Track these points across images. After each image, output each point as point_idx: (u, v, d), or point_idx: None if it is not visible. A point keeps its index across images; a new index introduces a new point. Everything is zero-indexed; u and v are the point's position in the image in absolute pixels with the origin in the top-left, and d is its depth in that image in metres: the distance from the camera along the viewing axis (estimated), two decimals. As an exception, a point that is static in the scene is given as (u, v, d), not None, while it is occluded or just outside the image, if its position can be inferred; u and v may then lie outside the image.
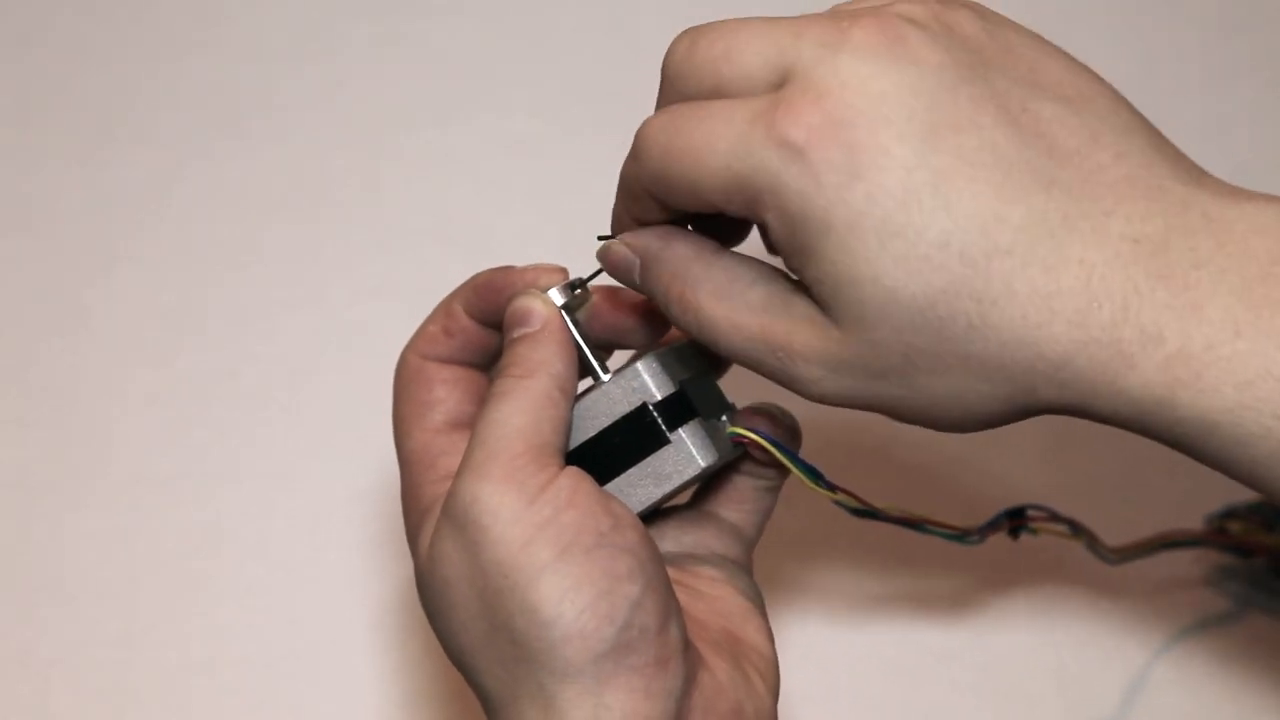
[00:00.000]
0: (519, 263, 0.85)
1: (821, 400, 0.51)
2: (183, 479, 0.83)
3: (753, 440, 0.56)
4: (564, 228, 0.89)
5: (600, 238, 0.56)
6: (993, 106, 0.49)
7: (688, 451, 0.55)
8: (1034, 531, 0.66)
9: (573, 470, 0.53)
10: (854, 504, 0.57)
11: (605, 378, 0.56)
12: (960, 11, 0.50)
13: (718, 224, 0.55)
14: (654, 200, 0.53)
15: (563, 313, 0.56)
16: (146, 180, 0.92)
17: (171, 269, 0.89)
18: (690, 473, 0.55)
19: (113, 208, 0.91)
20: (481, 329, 0.58)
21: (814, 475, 0.56)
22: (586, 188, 0.90)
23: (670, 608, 0.52)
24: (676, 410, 0.55)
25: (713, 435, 0.56)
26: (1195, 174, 0.50)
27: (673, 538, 0.59)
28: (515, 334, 0.56)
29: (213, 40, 0.96)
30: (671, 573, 0.56)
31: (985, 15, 0.51)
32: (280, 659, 0.79)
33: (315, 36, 0.96)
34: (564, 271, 0.57)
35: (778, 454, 0.56)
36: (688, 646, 0.53)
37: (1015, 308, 0.48)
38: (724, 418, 0.57)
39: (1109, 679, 0.77)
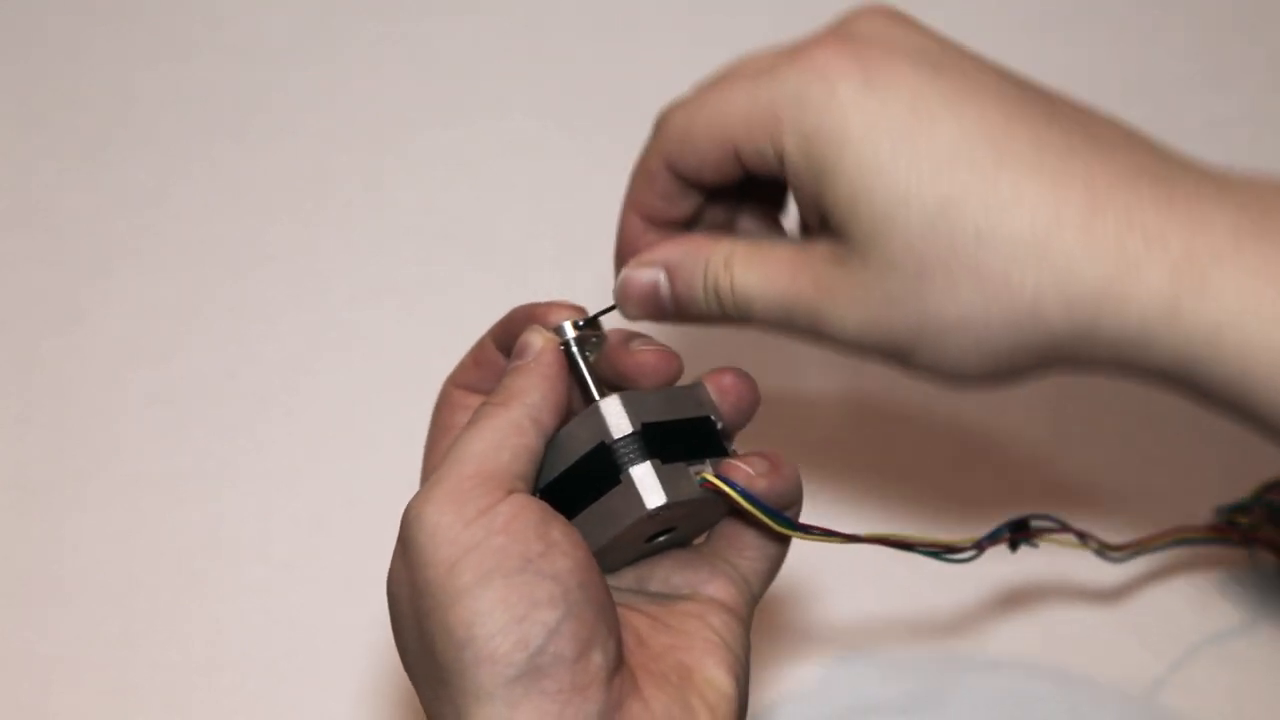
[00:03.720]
0: (516, 265, 0.85)
1: (849, 343, 0.54)
2: (183, 479, 0.83)
3: (718, 487, 0.55)
4: (564, 228, 0.89)
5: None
6: (993, 69, 0.52)
7: (635, 493, 0.54)
8: (1035, 544, 0.65)
9: (520, 497, 0.53)
10: (834, 540, 0.57)
11: None
12: None
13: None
14: (672, 174, 0.56)
15: (571, 347, 0.57)
16: (146, 180, 0.92)
17: (171, 269, 0.89)
18: (636, 514, 0.54)
19: (113, 208, 0.91)
20: (507, 361, 0.59)
21: (784, 521, 0.56)
22: (586, 188, 0.91)
23: (596, 637, 0.52)
24: (634, 451, 0.55)
25: (673, 478, 0.55)
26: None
27: (662, 577, 0.59)
28: (510, 365, 0.57)
29: (213, 40, 0.96)
30: (648, 606, 0.57)
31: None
32: (280, 659, 0.79)
33: (315, 36, 0.96)
34: (579, 310, 0.58)
35: (741, 501, 0.55)
36: (616, 675, 0.53)
37: (1023, 214, 0.50)
38: (707, 462, 0.56)
39: (1120, 697, 0.77)
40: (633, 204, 0.58)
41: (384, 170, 0.92)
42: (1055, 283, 0.50)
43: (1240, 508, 0.77)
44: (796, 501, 0.57)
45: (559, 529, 0.53)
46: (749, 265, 0.55)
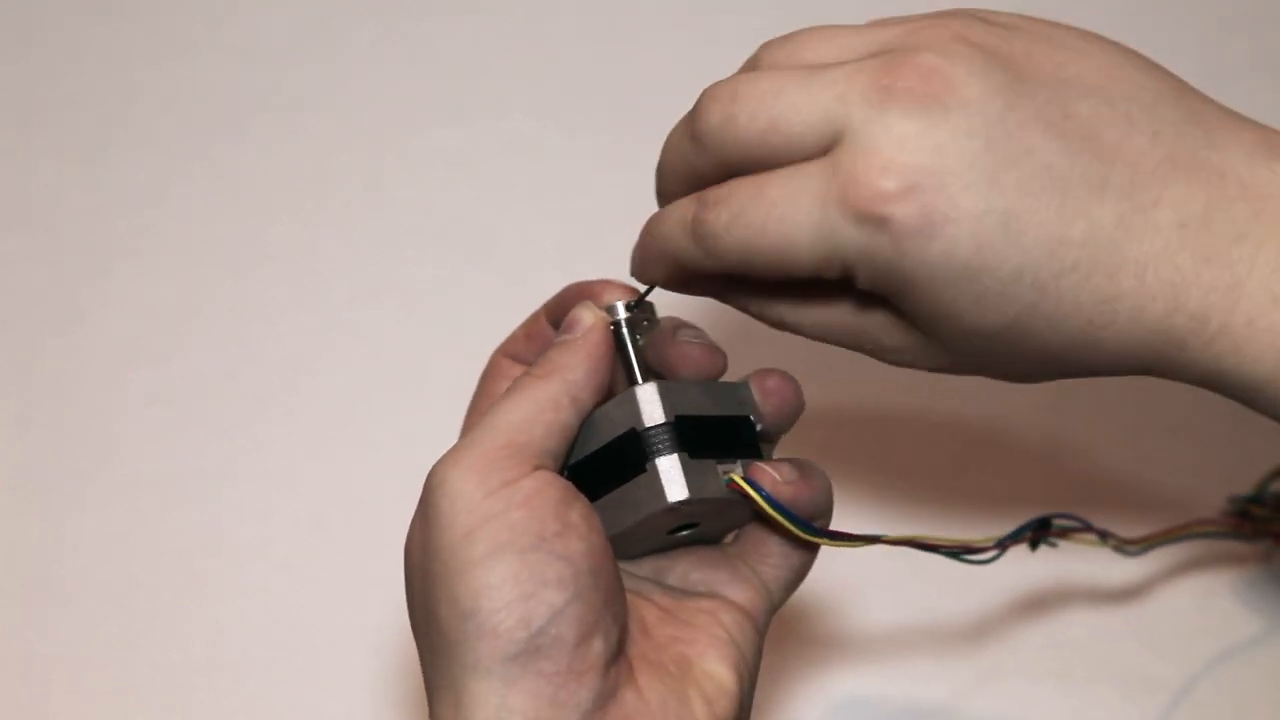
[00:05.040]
0: (516, 265, 0.85)
1: (911, 368, 0.55)
2: (183, 479, 0.83)
3: (742, 489, 0.55)
4: (564, 228, 0.89)
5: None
6: (1039, 125, 0.51)
7: (658, 484, 0.54)
8: (1055, 544, 0.65)
9: (545, 474, 0.53)
10: (856, 544, 0.56)
11: None
12: (973, 25, 0.52)
13: None
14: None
15: (621, 328, 0.57)
16: (146, 180, 0.92)
17: (171, 269, 0.89)
18: (656, 505, 0.54)
19: (113, 208, 0.91)
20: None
21: (805, 527, 0.56)
22: (586, 188, 0.91)
23: (600, 623, 0.52)
24: (664, 441, 0.54)
25: (698, 474, 0.55)
26: (1225, 131, 0.53)
27: (681, 573, 0.59)
28: (557, 339, 0.57)
29: (213, 40, 0.96)
30: (661, 598, 0.58)
31: (991, 20, 0.53)
32: (280, 659, 0.79)
33: (315, 36, 0.96)
34: (630, 290, 0.58)
35: (764, 505, 0.55)
36: (614, 663, 0.53)
37: (1081, 318, 0.51)
38: (738, 463, 0.56)
39: (1132, 702, 0.77)
40: (669, 268, 0.57)
41: (384, 170, 0.92)
42: (1108, 361, 0.52)
43: (1254, 499, 0.77)
44: (826, 512, 0.57)
45: (579, 511, 0.53)
46: (799, 311, 0.55)
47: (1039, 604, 0.79)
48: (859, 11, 0.60)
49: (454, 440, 0.59)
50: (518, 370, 0.59)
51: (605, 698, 0.52)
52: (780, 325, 0.56)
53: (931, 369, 0.54)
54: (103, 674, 0.78)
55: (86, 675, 0.78)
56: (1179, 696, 0.77)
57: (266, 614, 0.80)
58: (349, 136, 0.93)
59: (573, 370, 0.55)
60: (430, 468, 0.54)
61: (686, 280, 0.56)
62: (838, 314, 0.54)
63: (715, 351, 0.58)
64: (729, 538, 0.60)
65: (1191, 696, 0.77)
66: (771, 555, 0.58)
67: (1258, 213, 0.51)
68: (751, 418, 0.57)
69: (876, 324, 0.54)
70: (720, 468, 0.55)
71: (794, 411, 0.58)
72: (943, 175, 0.50)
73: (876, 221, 0.50)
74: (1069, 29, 0.54)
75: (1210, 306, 0.51)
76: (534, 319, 0.60)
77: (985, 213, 0.50)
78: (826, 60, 0.53)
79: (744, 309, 0.56)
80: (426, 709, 0.75)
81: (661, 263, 0.55)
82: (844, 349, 0.56)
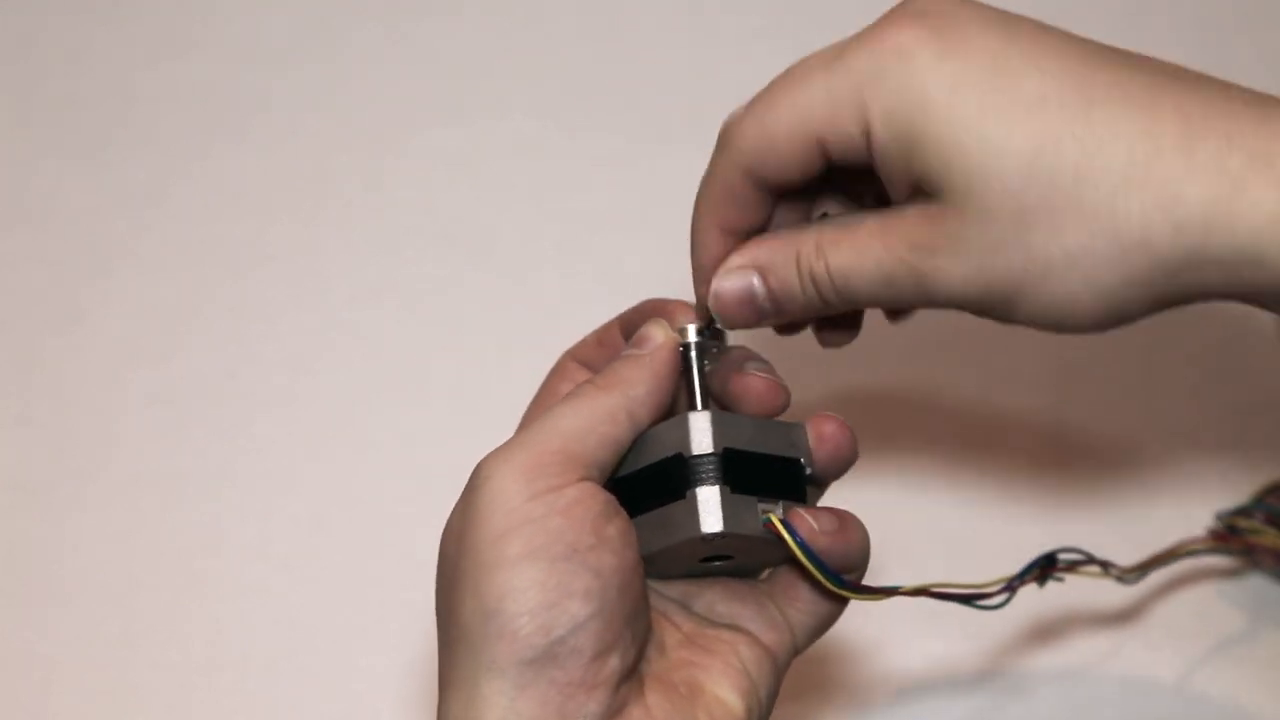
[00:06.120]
0: (516, 265, 0.85)
1: (954, 296, 0.52)
2: (183, 479, 0.83)
3: (778, 531, 0.55)
4: (564, 228, 0.89)
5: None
6: (1064, 32, 0.52)
7: (694, 512, 0.54)
8: (1062, 579, 0.65)
9: (589, 486, 0.53)
10: (878, 597, 0.56)
11: None
12: None
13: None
14: (751, 182, 0.55)
15: (690, 351, 0.57)
16: (146, 180, 0.92)
17: (171, 269, 0.89)
18: (690, 533, 0.54)
19: (113, 208, 0.91)
20: None
21: (834, 579, 0.56)
22: (586, 188, 0.91)
23: (620, 641, 0.53)
24: (709, 471, 0.54)
25: (737, 509, 0.54)
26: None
27: (707, 602, 0.58)
28: (625, 351, 0.57)
29: (213, 40, 0.96)
30: (684, 622, 0.58)
31: None
32: (280, 659, 0.79)
33: (315, 36, 0.96)
34: (705, 314, 0.58)
35: (797, 551, 0.55)
36: (627, 681, 0.53)
37: (1120, 147, 0.50)
38: (780, 504, 0.56)
39: (1138, 706, 0.77)
40: (708, 218, 0.56)
41: (384, 170, 0.92)
42: (1161, 207, 0.50)
43: (1240, 512, 0.77)
44: (859, 567, 0.57)
45: (617, 526, 0.53)
46: (839, 244, 0.54)
47: (1040, 606, 0.79)
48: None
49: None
50: (582, 374, 0.59)
51: (613, 713, 0.52)
52: (832, 281, 0.55)
53: (970, 271, 0.52)
54: (103, 674, 0.78)
55: (86, 675, 0.78)
56: (1174, 692, 0.77)
57: (266, 614, 0.80)
58: (349, 136, 0.93)
59: (635, 386, 0.55)
60: (479, 460, 0.54)
61: (723, 211, 0.56)
62: (869, 235, 0.54)
63: (779, 388, 0.57)
64: (763, 574, 0.59)
65: (1188, 693, 0.77)
66: (800, 600, 0.58)
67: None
68: (802, 460, 0.57)
69: (907, 222, 0.53)
70: (760, 506, 0.55)
71: (846, 461, 0.58)
72: (961, 19, 0.52)
73: (890, 48, 0.51)
74: None
75: (1273, 150, 0.49)
76: (607, 328, 0.60)
77: (1001, 48, 0.51)
78: None
79: (801, 285, 0.56)
80: (427, 709, 0.76)
81: (703, 203, 0.56)
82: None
